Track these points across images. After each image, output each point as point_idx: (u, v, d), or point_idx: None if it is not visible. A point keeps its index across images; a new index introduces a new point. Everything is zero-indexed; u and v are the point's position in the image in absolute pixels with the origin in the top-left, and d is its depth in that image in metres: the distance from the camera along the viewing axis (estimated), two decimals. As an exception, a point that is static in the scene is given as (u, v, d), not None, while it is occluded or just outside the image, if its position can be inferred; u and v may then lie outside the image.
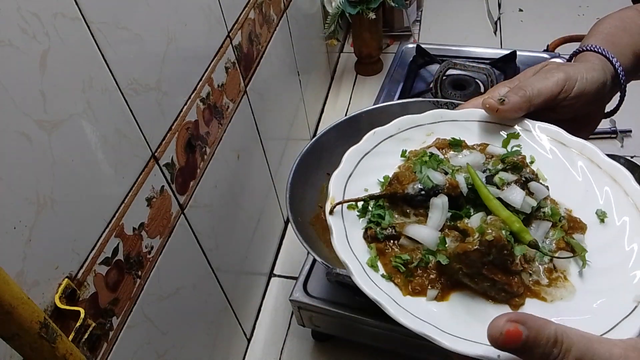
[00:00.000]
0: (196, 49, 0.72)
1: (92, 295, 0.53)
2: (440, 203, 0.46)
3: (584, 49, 0.60)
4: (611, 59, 0.58)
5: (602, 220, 0.48)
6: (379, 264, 0.46)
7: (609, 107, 0.64)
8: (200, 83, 0.73)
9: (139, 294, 0.61)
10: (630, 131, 1.19)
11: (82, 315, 0.48)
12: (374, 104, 0.95)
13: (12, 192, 0.42)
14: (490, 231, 0.42)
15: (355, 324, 0.80)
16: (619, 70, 0.58)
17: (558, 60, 0.72)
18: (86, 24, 0.50)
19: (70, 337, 0.47)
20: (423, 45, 1.27)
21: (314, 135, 1.16)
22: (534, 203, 0.47)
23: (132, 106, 0.58)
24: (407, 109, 0.91)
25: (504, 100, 0.53)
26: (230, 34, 0.81)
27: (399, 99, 1.14)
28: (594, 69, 0.55)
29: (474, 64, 1.08)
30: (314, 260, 0.84)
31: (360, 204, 0.50)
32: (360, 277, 0.43)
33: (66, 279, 0.49)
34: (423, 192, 0.47)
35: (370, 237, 0.47)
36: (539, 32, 1.44)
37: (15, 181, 0.43)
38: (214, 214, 0.79)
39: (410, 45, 1.31)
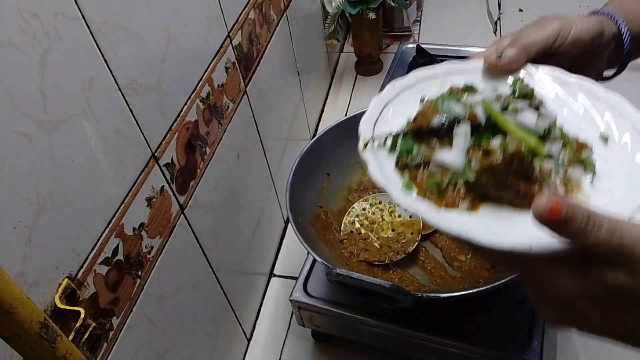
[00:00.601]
0: (196, 49, 0.72)
1: (92, 295, 0.53)
2: (463, 130, 0.51)
3: (591, 13, 0.64)
4: (615, 18, 0.61)
5: (605, 141, 0.53)
6: (414, 186, 0.51)
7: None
8: (200, 83, 0.73)
9: (139, 294, 0.61)
10: (630, 131, 1.19)
11: (82, 315, 0.48)
12: (374, 104, 0.95)
13: (12, 192, 0.42)
14: (511, 146, 0.47)
15: (355, 324, 0.80)
16: (622, 30, 0.61)
17: None
18: (86, 24, 0.50)
19: (70, 337, 0.47)
20: (423, 45, 1.27)
21: (314, 135, 1.17)
22: (546, 124, 0.51)
23: (132, 106, 0.58)
24: (407, 109, 0.92)
25: (501, 54, 0.57)
26: (230, 34, 0.81)
27: (399, 99, 1.14)
28: (589, 21, 0.59)
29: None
30: (314, 260, 0.84)
31: (389, 142, 0.54)
32: (399, 194, 0.48)
33: (66, 279, 0.49)
34: (446, 124, 0.52)
35: (402, 167, 0.52)
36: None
37: (15, 181, 0.43)
38: (214, 214, 0.79)
39: (410, 45, 1.30)
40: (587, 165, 0.51)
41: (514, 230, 0.42)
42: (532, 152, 0.48)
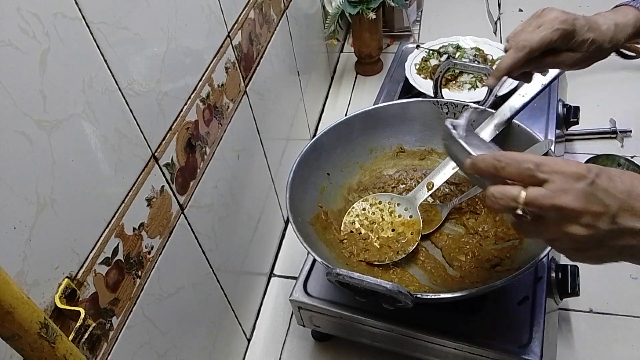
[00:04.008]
0: (196, 49, 0.72)
1: (92, 295, 0.53)
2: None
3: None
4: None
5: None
6: None
7: None
8: (200, 83, 0.73)
9: (139, 294, 0.61)
10: (630, 131, 1.19)
11: (82, 315, 0.48)
12: (374, 104, 0.95)
13: (12, 192, 0.42)
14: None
15: (355, 324, 0.80)
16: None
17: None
18: (86, 24, 0.50)
19: (70, 337, 0.47)
20: (423, 45, 1.27)
21: (314, 135, 1.16)
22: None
23: (132, 106, 0.58)
24: (407, 108, 0.92)
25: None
26: (230, 34, 0.81)
27: (399, 99, 1.14)
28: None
29: (474, 64, 1.08)
30: (314, 260, 0.84)
31: None
32: None
33: (66, 279, 0.49)
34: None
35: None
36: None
37: (15, 181, 0.43)
38: (214, 214, 0.79)
39: (410, 45, 1.30)
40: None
41: None
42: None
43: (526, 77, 0.72)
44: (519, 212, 0.44)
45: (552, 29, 0.64)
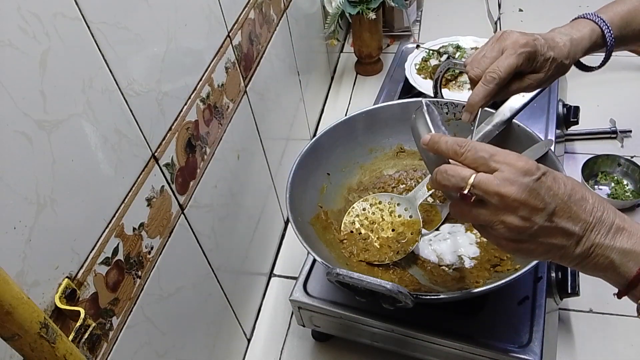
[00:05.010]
0: (196, 49, 0.72)
1: (92, 295, 0.53)
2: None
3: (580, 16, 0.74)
4: (597, 21, 0.71)
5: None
6: None
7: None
8: (200, 83, 0.73)
9: (139, 294, 0.61)
10: (630, 131, 1.19)
11: (82, 315, 0.48)
12: (374, 104, 0.95)
13: (12, 192, 0.42)
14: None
15: (355, 324, 0.80)
16: (603, 28, 0.70)
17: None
18: (86, 24, 0.50)
19: (70, 337, 0.47)
20: (423, 45, 1.27)
21: (314, 135, 1.16)
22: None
23: (132, 106, 0.58)
24: (407, 108, 0.92)
25: None
26: (230, 34, 0.81)
27: (399, 99, 1.14)
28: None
29: (474, 64, 1.08)
30: (314, 260, 0.84)
31: None
32: None
33: (66, 279, 0.49)
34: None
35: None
36: (539, 32, 1.44)
37: (15, 181, 0.43)
38: (214, 214, 0.79)
39: (410, 45, 1.31)
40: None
41: None
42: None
43: (493, 106, 0.73)
44: (465, 191, 0.47)
45: (515, 53, 0.64)
